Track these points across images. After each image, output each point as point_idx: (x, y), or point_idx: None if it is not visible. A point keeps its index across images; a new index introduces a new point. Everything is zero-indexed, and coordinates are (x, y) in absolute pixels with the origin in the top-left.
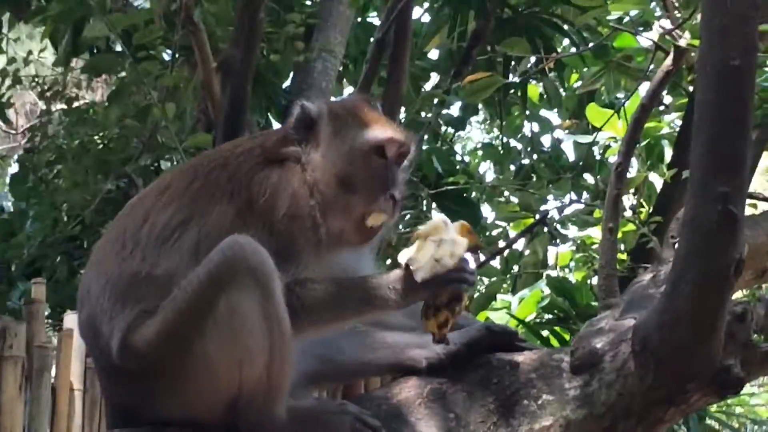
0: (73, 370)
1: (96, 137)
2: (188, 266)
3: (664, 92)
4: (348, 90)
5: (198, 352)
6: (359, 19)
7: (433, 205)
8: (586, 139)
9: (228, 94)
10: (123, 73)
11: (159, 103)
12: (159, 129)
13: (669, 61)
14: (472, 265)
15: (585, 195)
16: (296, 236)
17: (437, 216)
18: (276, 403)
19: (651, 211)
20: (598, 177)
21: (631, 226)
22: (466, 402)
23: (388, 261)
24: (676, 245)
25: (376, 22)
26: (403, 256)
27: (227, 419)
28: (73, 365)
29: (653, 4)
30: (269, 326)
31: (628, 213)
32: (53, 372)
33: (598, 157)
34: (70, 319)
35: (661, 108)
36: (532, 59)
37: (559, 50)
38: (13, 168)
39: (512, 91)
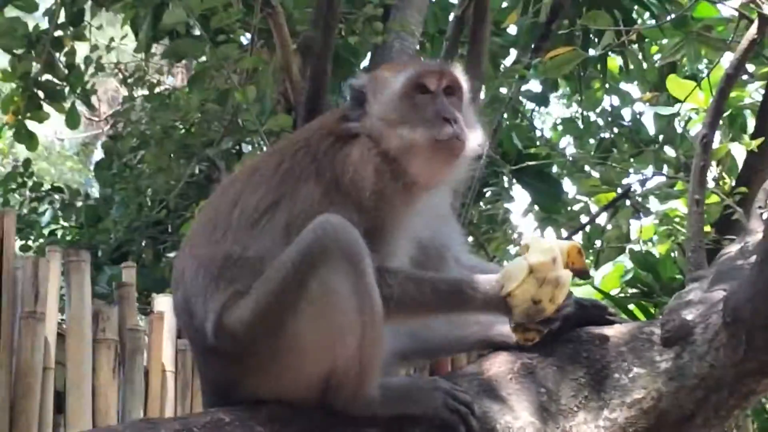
0: (165, 352)
1: (178, 122)
2: (279, 247)
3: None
4: None
5: (291, 330)
6: None
7: (514, 181)
8: (667, 111)
9: (308, 76)
10: (203, 58)
11: (239, 86)
12: (240, 112)
13: (754, 29)
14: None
15: (666, 168)
16: (385, 214)
17: (553, 242)
18: (369, 380)
19: (735, 182)
20: (680, 150)
21: (715, 198)
22: (556, 376)
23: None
24: (765, 215)
25: None
26: (506, 277)
27: (320, 397)
28: (165, 347)
29: None
30: (361, 304)
31: (712, 184)
32: (145, 354)
33: (679, 130)
34: (161, 302)
35: (744, 77)
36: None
37: (638, 22)
38: (98, 155)
39: (593, 65)
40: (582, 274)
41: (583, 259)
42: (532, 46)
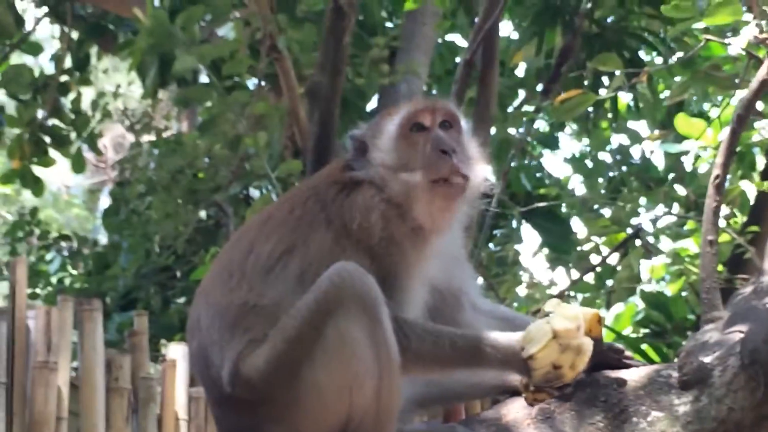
0: (178, 399)
1: (185, 168)
2: (294, 294)
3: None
4: None
5: (308, 378)
6: (441, 40)
7: (524, 223)
8: (676, 148)
9: (316, 119)
10: (208, 103)
11: (248, 131)
12: (249, 157)
13: (765, 69)
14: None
15: (676, 206)
16: (397, 259)
17: (577, 309)
18: (386, 428)
19: (745, 220)
20: (689, 188)
21: (726, 237)
22: (574, 421)
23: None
24: None
25: (459, 40)
26: (528, 339)
27: None
28: (178, 395)
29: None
30: (378, 352)
31: (723, 223)
32: (158, 403)
33: (688, 168)
34: (173, 350)
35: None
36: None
37: (646, 60)
38: (104, 201)
39: (603, 106)
40: (595, 340)
41: (601, 329)
42: (541, 87)
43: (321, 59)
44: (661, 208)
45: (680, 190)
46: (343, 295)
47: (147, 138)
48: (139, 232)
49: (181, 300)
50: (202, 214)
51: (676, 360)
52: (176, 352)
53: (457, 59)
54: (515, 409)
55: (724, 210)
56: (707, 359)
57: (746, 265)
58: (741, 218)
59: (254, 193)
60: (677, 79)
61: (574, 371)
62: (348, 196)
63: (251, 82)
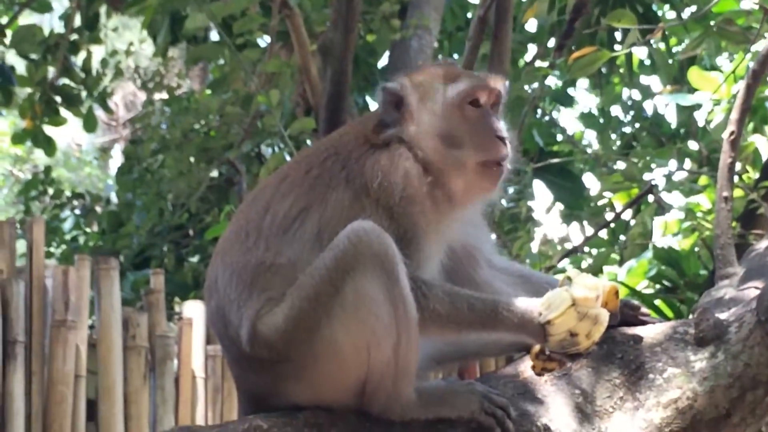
0: (195, 358)
1: (198, 126)
2: (311, 253)
3: None
4: None
5: (326, 336)
6: None
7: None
8: (689, 101)
9: (329, 77)
10: (220, 61)
11: (259, 89)
12: (261, 115)
13: None
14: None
15: (688, 162)
16: (416, 219)
17: (598, 279)
18: (405, 385)
19: (758, 176)
20: (701, 143)
21: (739, 192)
22: (591, 378)
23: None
24: None
25: None
26: (547, 305)
27: (356, 403)
28: (195, 353)
29: None
30: (395, 309)
31: (736, 179)
32: (175, 361)
33: (701, 124)
34: (190, 308)
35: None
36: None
37: (659, 15)
38: (116, 159)
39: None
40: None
41: (617, 302)
42: (554, 44)
43: (333, 16)
44: (673, 164)
45: (692, 146)
46: (360, 254)
47: (159, 96)
48: (153, 191)
49: (195, 258)
50: (215, 172)
51: (691, 316)
52: (193, 310)
53: (469, 15)
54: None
55: (738, 166)
56: (723, 315)
57: (759, 221)
58: (754, 174)
59: (266, 151)
60: (691, 34)
61: (589, 340)
62: (372, 155)
63: (262, 40)
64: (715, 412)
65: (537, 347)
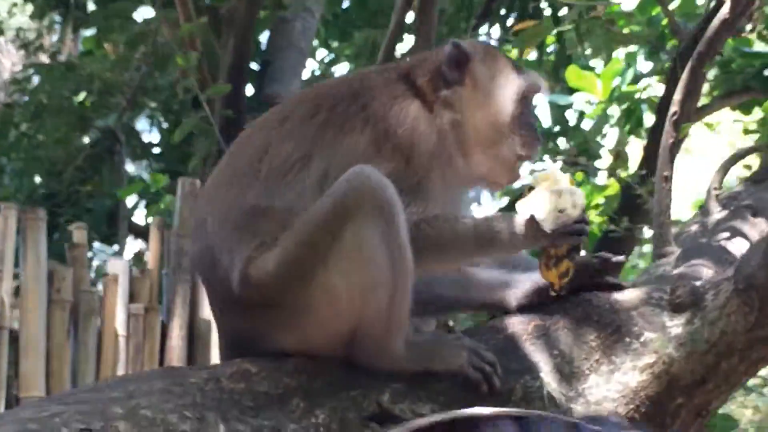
0: (118, 315)
1: (76, 92)
2: (311, 199)
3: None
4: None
5: (320, 282)
6: None
7: None
8: (565, 100)
9: (231, 46)
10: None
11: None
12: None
13: (726, 8)
14: None
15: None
16: (433, 174)
17: (550, 166)
18: (396, 335)
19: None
20: (571, 142)
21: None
22: (568, 339)
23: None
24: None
25: None
26: (522, 206)
27: (344, 352)
28: (118, 311)
29: None
30: (392, 258)
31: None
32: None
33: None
34: (114, 265)
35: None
36: None
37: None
38: None
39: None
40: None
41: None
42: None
43: None
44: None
45: (563, 144)
46: (361, 200)
47: (34, 60)
48: (29, 156)
49: (72, 226)
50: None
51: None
52: (117, 267)
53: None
54: (512, 324)
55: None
56: (697, 283)
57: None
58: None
59: (144, 124)
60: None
61: (577, 208)
62: (404, 102)
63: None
64: (690, 377)
65: (545, 262)
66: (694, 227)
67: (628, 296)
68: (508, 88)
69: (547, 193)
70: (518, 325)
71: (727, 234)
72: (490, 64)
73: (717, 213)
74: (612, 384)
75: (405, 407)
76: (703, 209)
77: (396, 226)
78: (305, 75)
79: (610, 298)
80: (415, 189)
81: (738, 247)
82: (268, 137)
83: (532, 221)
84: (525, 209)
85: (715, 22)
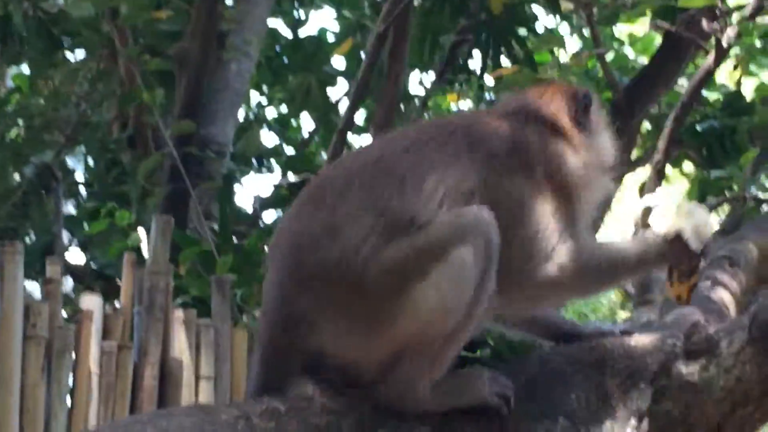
0: (92, 353)
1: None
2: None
3: None
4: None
5: (411, 290)
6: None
7: None
8: None
9: (183, 86)
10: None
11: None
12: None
13: (710, 59)
14: None
15: None
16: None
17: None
18: (433, 372)
19: None
20: None
21: None
22: (583, 383)
23: None
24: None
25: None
26: (659, 224)
27: (373, 378)
28: (92, 348)
29: None
30: (477, 295)
31: None
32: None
33: None
34: (88, 301)
35: None
36: None
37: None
38: None
39: None
40: None
41: None
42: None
43: (192, 27)
44: None
45: None
46: (477, 231)
47: None
48: None
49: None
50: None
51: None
52: (91, 303)
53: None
54: (531, 365)
55: None
56: (711, 330)
57: None
58: None
59: (74, 161)
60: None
61: (708, 226)
62: (554, 142)
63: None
64: (706, 425)
65: (676, 277)
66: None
67: (641, 342)
68: (611, 142)
69: (681, 212)
70: (537, 366)
71: (708, 283)
72: (602, 118)
73: None
74: (628, 429)
75: None
76: None
77: (492, 261)
78: (240, 118)
79: (624, 344)
80: (572, 219)
81: (720, 295)
82: (421, 154)
83: (679, 240)
84: (661, 227)
85: (700, 72)
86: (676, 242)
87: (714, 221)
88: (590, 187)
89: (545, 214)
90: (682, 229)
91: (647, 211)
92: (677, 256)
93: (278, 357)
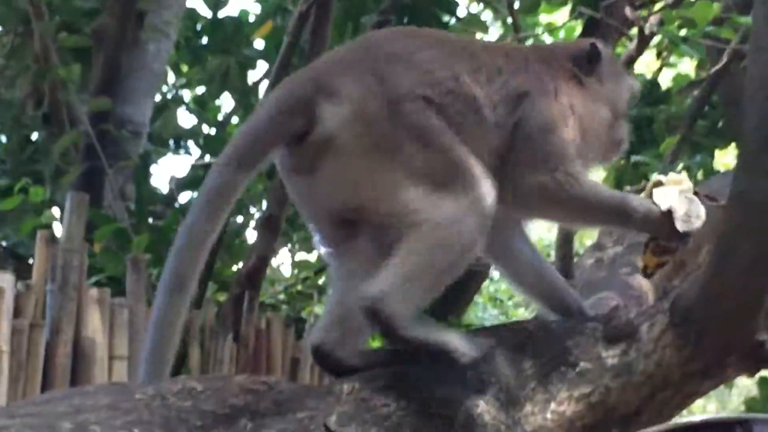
0: (2, 330)
1: None
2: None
3: None
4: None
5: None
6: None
7: None
8: None
9: (101, 63)
10: None
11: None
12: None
13: (632, 46)
14: None
15: None
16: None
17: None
18: (416, 297)
19: None
20: None
21: None
22: (505, 367)
23: None
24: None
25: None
26: (660, 197)
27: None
28: (3, 326)
29: None
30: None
31: None
32: None
33: None
34: (0, 278)
35: None
36: None
37: None
38: None
39: None
40: None
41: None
42: None
43: (110, 3)
44: None
45: None
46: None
47: None
48: None
49: None
50: None
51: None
52: (3, 280)
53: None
54: None
55: None
56: (631, 315)
57: None
58: None
59: None
60: None
61: (700, 220)
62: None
63: None
64: (625, 408)
65: (652, 248)
66: (590, 261)
67: (561, 326)
68: (626, 89)
69: (683, 196)
70: None
71: (627, 269)
72: (614, 66)
73: (611, 248)
74: (548, 413)
75: (351, 430)
76: (597, 244)
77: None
78: (157, 98)
79: (545, 327)
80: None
81: (639, 282)
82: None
83: (669, 215)
84: (660, 201)
85: (621, 60)
86: (665, 217)
87: (703, 217)
88: (598, 134)
89: (566, 135)
90: (675, 209)
91: (657, 183)
92: (659, 229)
93: None
